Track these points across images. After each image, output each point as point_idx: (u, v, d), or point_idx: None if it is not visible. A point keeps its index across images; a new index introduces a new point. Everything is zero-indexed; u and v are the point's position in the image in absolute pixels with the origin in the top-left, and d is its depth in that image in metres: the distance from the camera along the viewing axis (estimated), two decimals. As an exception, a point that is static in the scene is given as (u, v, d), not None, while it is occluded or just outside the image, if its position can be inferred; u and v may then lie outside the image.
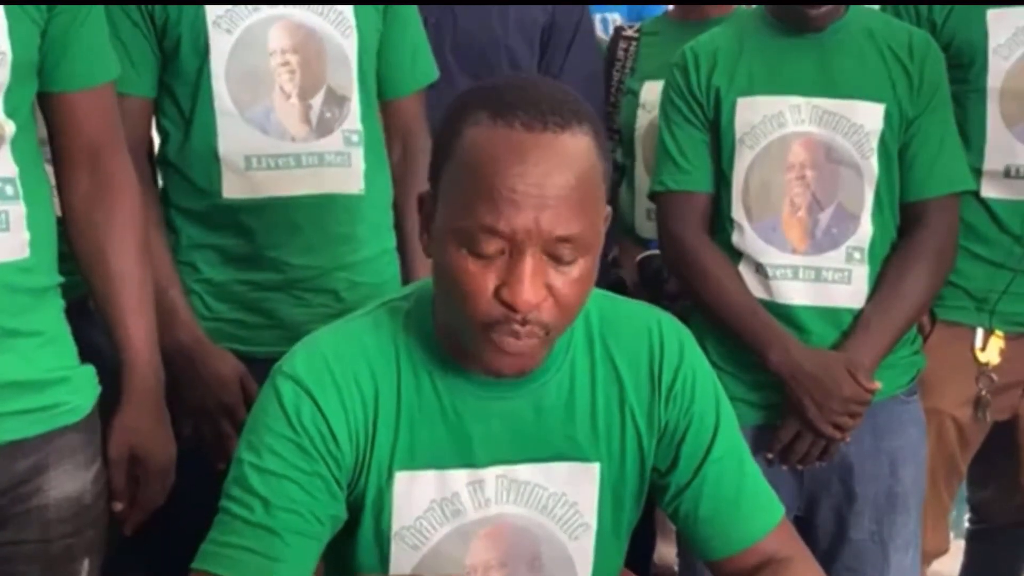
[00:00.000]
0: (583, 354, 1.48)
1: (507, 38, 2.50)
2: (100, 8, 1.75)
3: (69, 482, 1.67)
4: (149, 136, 2.06)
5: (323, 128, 2.05)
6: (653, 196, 2.30)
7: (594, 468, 1.49)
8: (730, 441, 1.53)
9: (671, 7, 2.84)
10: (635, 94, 2.70)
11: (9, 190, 1.61)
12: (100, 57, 1.75)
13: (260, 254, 2.06)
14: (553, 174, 1.30)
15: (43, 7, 1.64)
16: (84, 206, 1.75)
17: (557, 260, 1.32)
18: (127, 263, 1.76)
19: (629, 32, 2.82)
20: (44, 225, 1.67)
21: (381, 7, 2.13)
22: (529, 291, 1.30)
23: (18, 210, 1.61)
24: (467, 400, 1.44)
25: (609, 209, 1.40)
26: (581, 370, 1.48)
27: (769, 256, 2.18)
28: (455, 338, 1.41)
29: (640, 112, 2.69)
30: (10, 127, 1.60)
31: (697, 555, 1.58)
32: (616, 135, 2.77)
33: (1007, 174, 2.29)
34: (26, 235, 1.62)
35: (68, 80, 1.70)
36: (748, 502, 1.53)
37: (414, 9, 2.22)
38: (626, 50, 2.79)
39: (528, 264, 1.30)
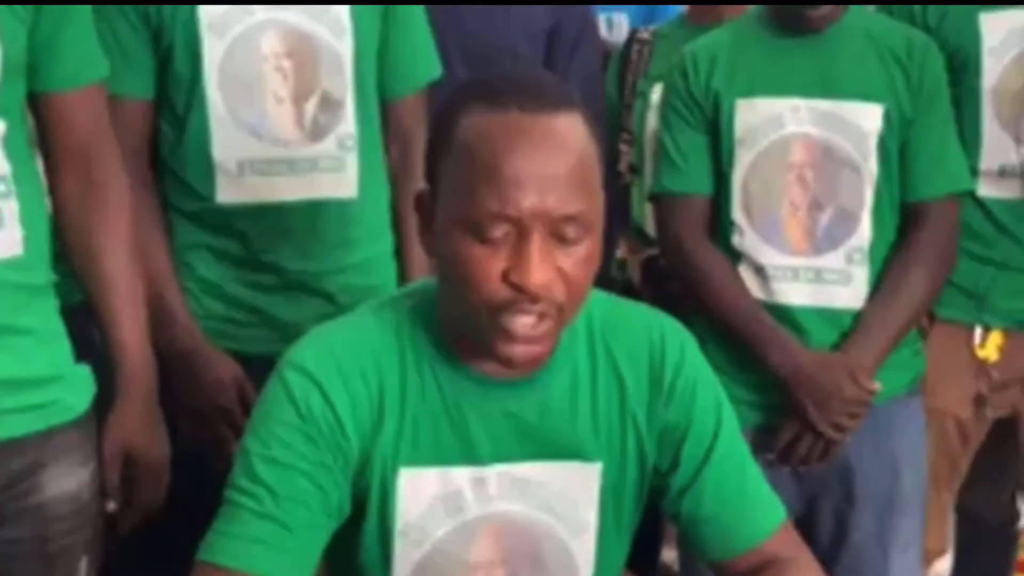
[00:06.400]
0: (584, 355, 1.48)
1: (512, 41, 2.49)
2: (87, 8, 1.75)
3: (66, 480, 1.68)
4: (150, 137, 2.06)
5: (317, 132, 2.05)
6: (652, 198, 2.31)
7: (595, 467, 1.49)
8: (731, 444, 1.53)
9: (685, 8, 2.85)
10: (646, 96, 2.71)
11: (2, 187, 1.62)
12: (88, 57, 1.75)
13: (254, 257, 2.06)
14: (553, 154, 1.31)
15: (29, 7, 1.64)
16: (74, 207, 1.76)
17: (563, 240, 1.33)
18: (118, 264, 1.76)
19: (644, 35, 2.83)
20: (38, 223, 1.68)
21: (381, 8, 2.11)
22: (538, 272, 1.31)
23: (11, 207, 1.62)
24: (471, 398, 1.44)
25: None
26: (583, 370, 1.48)
27: (769, 257, 2.18)
28: (463, 333, 1.41)
29: (649, 114, 2.69)
30: (2, 126, 1.61)
31: (699, 557, 1.58)
32: (630, 136, 2.79)
33: (1002, 173, 2.30)
34: (20, 232, 1.63)
35: (56, 80, 1.70)
36: (750, 504, 1.53)
37: (418, 8, 2.20)
38: (640, 52, 2.80)
39: (536, 246, 1.31)
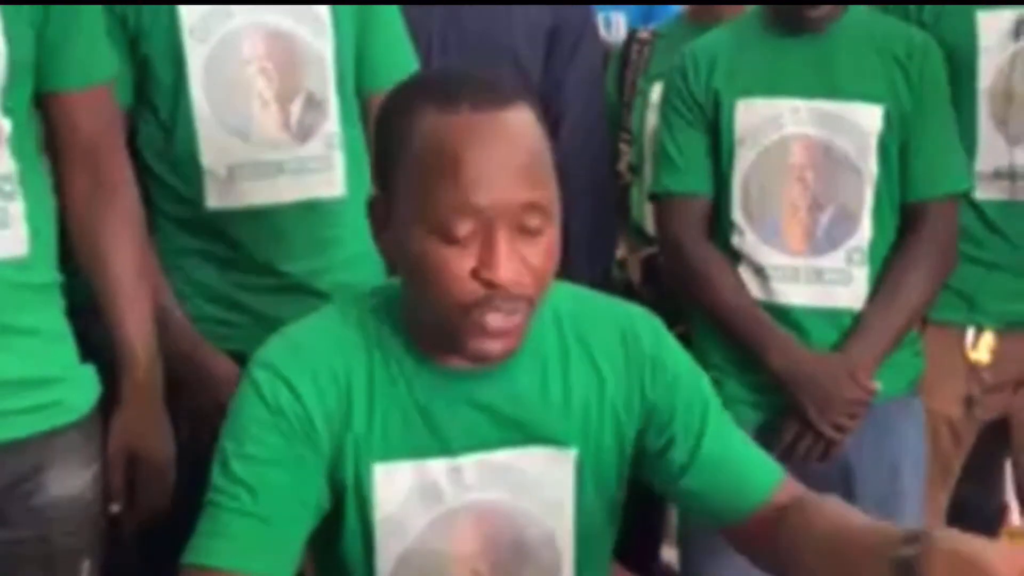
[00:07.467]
0: (554, 345, 1.50)
1: (513, 41, 2.49)
2: (96, 8, 1.75)
3: (69, 481, 1.69)
4: (129, 145, 2.01)
5: (303, 133, 2.06)
6: (652, 197, 2.32)
7: (570, 453, 1.51)
8: (720, 412, 1.55)
9: (685, 8, 2.85)
10: (646, 95, 2.71)
11: (8, 187, 1.62)
12: (96, 57, 1.76)
13: (247, 260, 2.07)
14: (509, 148, 1.34)
15: (38, 7, 1.64)
16: (82, 206, 1.76)
17: (526, 232, 1.35)
18: (125, 264, 1.77)
19: (644, 34, 2.83)
20: (44, 223, 1.69)
21: (358, 7, 2.12)
22: (507, 266, 1.33)
23: (17, 207, 1.63)
24: (439, 391, 1.46)
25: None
26: (553, 360, 1.50)
27: (769, 258, 2.19)
28: (432, 331, 1.42)
29: (649, 113, 2.70)
30: (6, 125, 1.62)
31: (717, 525, 1.55)
32: (630, 136, 2.79)
33: (997, 175, 2.28)
34: (26, 232, 1.64)
35: (64, 80, 1.71)
36: (749, 465, 1.53)
37: (393, 6, 2.20)
38: (639, 52, 2.81)
39: (502, 240, 1.33)
